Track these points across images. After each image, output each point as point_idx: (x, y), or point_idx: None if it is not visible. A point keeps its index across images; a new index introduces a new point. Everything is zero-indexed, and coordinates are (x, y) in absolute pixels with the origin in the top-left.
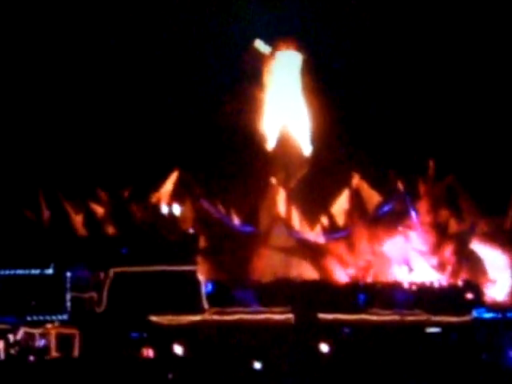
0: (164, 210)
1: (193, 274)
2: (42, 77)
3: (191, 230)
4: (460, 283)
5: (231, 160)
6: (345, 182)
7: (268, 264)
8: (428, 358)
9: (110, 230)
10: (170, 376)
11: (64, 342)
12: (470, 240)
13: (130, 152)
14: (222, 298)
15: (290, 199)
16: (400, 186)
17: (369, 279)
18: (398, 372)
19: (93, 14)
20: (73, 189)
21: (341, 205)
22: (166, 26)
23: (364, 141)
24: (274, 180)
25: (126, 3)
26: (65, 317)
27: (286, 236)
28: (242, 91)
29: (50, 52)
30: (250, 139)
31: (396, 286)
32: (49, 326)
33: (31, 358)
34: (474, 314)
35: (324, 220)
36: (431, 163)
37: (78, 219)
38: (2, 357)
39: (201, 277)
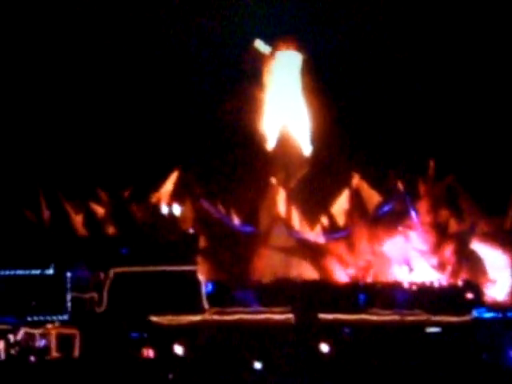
0: (164, 210)
1: (193, 274)
2: (43, 77)
3: (191, 230)
4: (460, 283)
5: (231, 160)
6: (345, 182)
7: (268, 264)
8: (428, 358)
9: (110, 230)
10: (171, 376)
11: (64, 342)
12: (470, 240)
13: (130, 152)
14: (222, 298)
15: (290, 199)
16: (400, 185)
17: (369, 279)
18: (398, 372)
19: (93, 14)
20: (73, 189)
21: (341, 205)
22: (166, 26)
23: (364, 141)
24: (273, 180)
25: (126, 3)
26: (65, 317)
27: (286, 236)
28: (242, 91)
29: (50, 53)
30: (250, 139)
31: (396, 286)
32: (49, 326)
33: (32, 358)
34: (474, 313)
35: (324, 220)
36: (431, 163)
37: (78, 219)
38: (3, 357)
39: (201, 277)
